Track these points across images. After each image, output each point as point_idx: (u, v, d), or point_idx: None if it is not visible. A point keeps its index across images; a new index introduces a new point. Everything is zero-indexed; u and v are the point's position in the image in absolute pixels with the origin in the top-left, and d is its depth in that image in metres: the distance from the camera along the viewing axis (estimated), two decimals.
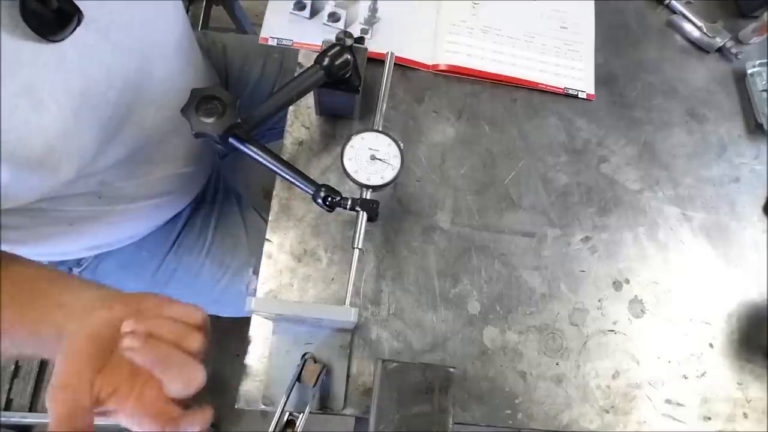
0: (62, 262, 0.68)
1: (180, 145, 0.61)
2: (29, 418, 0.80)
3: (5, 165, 0.37)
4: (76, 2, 0.37)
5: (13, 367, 0.82)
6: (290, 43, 0.63)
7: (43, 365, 0.83)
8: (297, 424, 0.44)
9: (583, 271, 0.58)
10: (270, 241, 0.55)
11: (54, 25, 0.37)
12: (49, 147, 0.40)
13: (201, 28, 1.13)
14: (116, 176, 0.53)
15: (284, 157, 0.56)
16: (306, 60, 0.63)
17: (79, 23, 0.38)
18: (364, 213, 0.48)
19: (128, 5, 0.44)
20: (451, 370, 0.45)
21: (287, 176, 0.48)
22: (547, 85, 0.65)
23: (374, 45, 0.62)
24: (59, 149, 0.41)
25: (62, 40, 0.37)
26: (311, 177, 0.49)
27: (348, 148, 0.49)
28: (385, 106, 0.54)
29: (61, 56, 0.39)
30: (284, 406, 0.44)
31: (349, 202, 0.48)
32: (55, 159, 0.41)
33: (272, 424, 0.43)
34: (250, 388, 0.50)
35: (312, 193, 0.48)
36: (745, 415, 0.55)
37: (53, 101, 0.39)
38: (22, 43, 0.36)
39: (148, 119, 0.52)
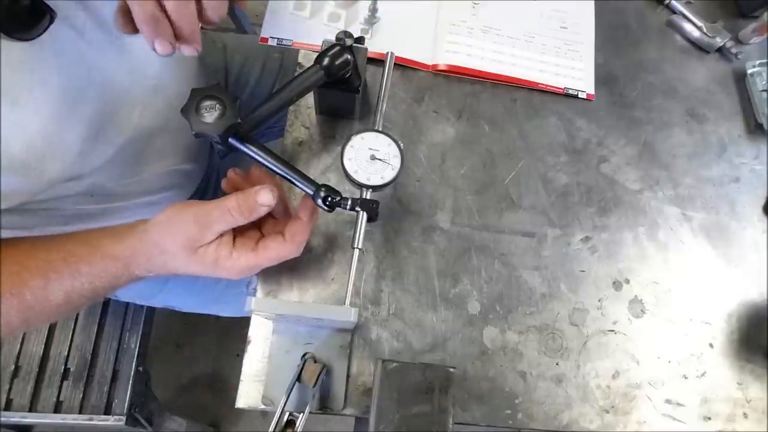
0: None
1: (170, 143, 0.60)
2: (29, 418, 0.80)
3: None
4: (49, 1, 0.37)
5: (13, 367, 0.82)
6: (290, 43, 0.63)
7: (43, 365, 0.83)
8: (297, 424, 0.44)
9: (583, 271, 0.58)
10: None
11: (25, 23, 0.36)
12: (30, 146, 0.40)
13: (200, 28, 1.13)
14: (107, 178, 0.53)
15: (284, 157, 0.56)
16: (306, 60, 0.63)
17: (51, 21, 0.37)
18: (364, 213, 0.48)
19: (104, 3, 0.44)
20: (451, 370, 0.45)
21: (287, 176, 0.48)
22: (547, 85, 0.65)
23: (374, 45, 0.62)
24: (41, 148, 0.41)
25: (34, 38, 0.37)
26: (311, 177, 0.49)
27: (348, 148, 0.49)
28: (385, 106, 0.54)
29: (37, 54, 0.38)
30: (284, 406, 0.44)
31: (349, 202, 0.48)
32: (38, 158, 0.41)
33: (272, 424, 0.43)
34: (250, 388, 0.50)
35: (312, 193, 0.48)
36: (745, 415, 0.55)
37: (31, 100, 0.38)
38: None
39: (135, 117, 0.52)
